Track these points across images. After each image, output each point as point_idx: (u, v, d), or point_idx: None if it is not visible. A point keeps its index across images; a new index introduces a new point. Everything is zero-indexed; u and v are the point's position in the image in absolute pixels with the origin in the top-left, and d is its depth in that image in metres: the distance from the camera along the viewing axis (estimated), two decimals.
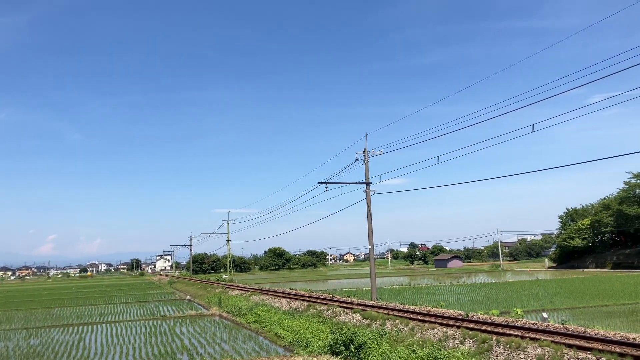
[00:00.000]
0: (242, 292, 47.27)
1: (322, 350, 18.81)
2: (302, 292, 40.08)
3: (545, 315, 21.50)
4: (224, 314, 36.45)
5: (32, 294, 78.17)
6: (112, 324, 33.13)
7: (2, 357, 21.64)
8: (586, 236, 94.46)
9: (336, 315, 25.45)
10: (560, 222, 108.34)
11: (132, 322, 34.18)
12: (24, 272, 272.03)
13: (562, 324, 17.89)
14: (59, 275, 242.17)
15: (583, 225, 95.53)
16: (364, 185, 31.25)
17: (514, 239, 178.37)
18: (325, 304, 28.88)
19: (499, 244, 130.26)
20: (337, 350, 18.18)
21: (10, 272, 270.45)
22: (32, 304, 55.55)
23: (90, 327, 32.18)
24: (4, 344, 25.48)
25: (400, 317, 21.28)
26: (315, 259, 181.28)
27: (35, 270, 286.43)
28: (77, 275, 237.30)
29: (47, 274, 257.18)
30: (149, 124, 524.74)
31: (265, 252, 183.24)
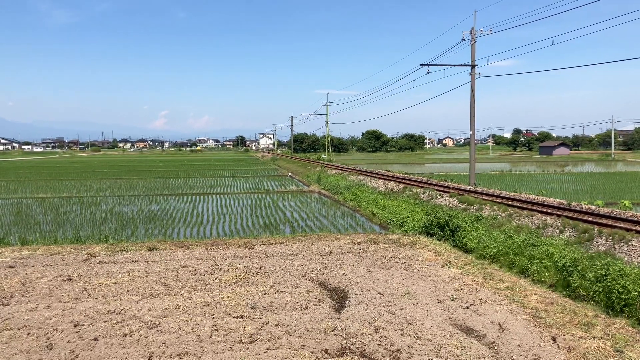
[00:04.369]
0: (340, 171, 48.65)
1: (416, 230, 19.33)
2: (399, 175, 40.54)
3: None
4: (323, 191, 38.07)
5: (149, 165, 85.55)
6: (222, 195, 35.87)
7: (129, 218, 24.51)
8: None
9: (432, 198, 25.76)
10: None
11: (239, 194, 36.78)
12: (141, 145, 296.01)
13: None
14: (172, 149, 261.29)
15: None
16: (469, 67, 29.79)
17: (631, 127, 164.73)
18: (422, 187, 29.18)
19: (613, 131, 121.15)
20: (431, 232, 18.64)
21: (129, 144, 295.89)
22: (150, 173, 60.98)
23: (202, 197, 35.08)
24: (130, 208, 28.69)
25: (498, 203, 21.14)
26: (412, 143, 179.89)
27: (151, 143, 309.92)
28: (188, 149, 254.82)
29: (162, 147, 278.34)
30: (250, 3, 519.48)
31: (362, 134, 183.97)
